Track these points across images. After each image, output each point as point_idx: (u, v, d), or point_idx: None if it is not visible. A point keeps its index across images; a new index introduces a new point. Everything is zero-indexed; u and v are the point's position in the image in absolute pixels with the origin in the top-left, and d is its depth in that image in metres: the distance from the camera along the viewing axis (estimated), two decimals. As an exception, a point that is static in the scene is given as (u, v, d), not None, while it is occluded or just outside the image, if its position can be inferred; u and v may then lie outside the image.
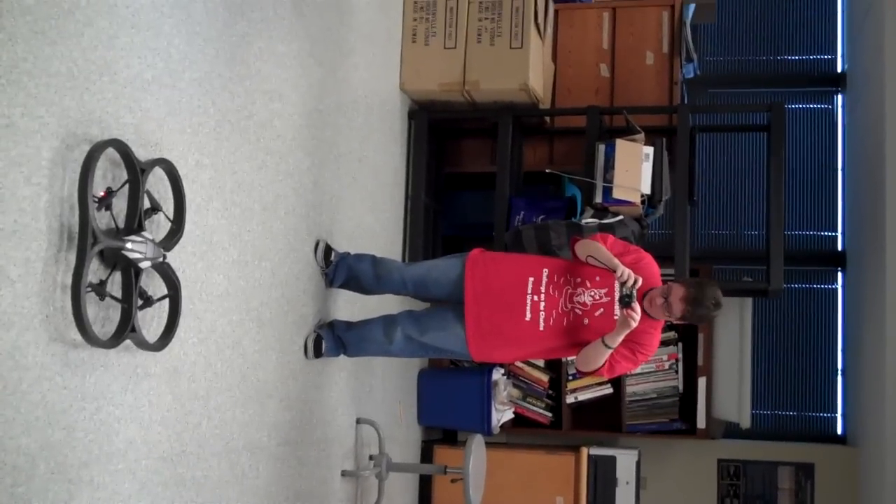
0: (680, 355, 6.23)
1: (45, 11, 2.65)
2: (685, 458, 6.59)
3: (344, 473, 4.79)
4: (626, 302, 3.77)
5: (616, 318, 3.90)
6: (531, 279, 4.10)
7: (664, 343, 6.10)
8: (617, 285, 3.87)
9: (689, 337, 6.24)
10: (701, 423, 6.17)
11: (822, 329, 7.21)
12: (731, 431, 6.57)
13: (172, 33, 3.30)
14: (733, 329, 6.25)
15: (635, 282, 3.78)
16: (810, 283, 7.25)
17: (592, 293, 4.02)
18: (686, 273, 5.40)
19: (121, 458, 3.00)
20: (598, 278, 4.02)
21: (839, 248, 7.28)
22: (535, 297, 4.07)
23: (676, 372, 6.23)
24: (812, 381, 7.16)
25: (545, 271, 4.11)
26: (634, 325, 3.78)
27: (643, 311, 3.93)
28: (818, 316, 7.23)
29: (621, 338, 3.85)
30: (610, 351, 3.90)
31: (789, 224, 7.03)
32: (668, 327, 5.98)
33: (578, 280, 4.05)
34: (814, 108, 7.51)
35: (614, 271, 3.85)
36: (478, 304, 4.13)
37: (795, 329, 7.23)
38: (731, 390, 6.25)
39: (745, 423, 6.28)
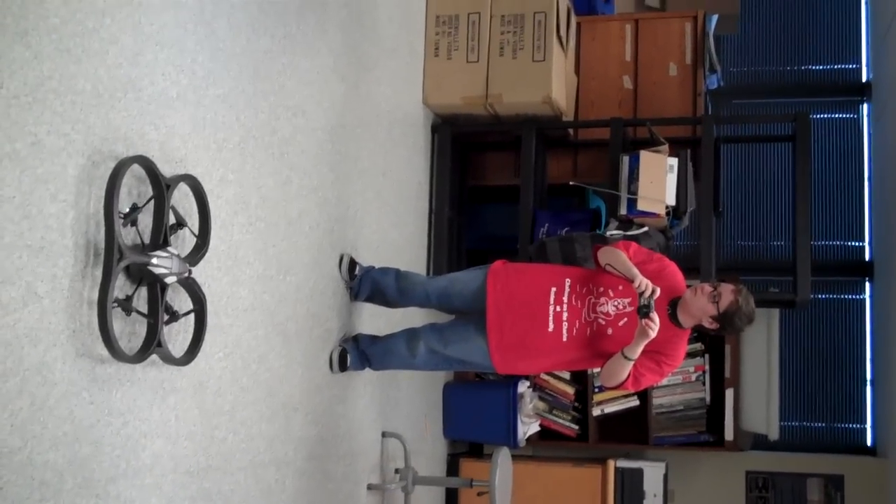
0: (707, 367, 6.20)
1: (71, 30, 2.68)
2: (713, 470, 6.55)
3: (370, 487, 4.79)
4: (643, 312, 3.75)
5: (643, 327, 3.88)
6: (553, 289, 4.09)
7: (691, 354, 6.06)
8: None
9: (716, 348, 6.20)
10: (729, 434, 6.12)
11: (850, 339, 7.16)
12: (760, 443, 6.52)
13: (196, 50, 3.33)
14: (760, 340, 6.21)
15: (653, 292, 3.76)
16: (838, 294, 7.21)
17: (616, 303, 4.00)
18: (712, 284, 5.37)
19: (148, 473, 3.02)
20: (621, 287, 4.00)
21: (867, 257, 7.23)
22: (558, 308, 4.06)
23: (703, 383, 6.20)
24: (841, 391, 7.11)
25: (567, 281, 4.10)
26: (653, 334, 3.76)
27: (668, 319, 3.92)
28: (846, 326, 7.18)
29: (640, 349, 3.83)
30: (631, 363, 3.88)
31: (816, 234, 6.98)
32: (695, 338, 5.96)
33: (601, 289, 4.04)
34: (839, 117, 7.47)
35: (632, 281, 3.83)
36: (500, 316, 4.13)
37: (823, 340, 7.18)
38: (758, 402, 6.20)
39: (774, 434, 6.23)
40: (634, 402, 6.22)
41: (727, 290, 3.86)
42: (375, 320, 4.76)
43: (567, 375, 6.24)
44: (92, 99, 2.77)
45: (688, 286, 4.02)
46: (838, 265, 7.23)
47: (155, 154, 3.04)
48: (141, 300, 2.97)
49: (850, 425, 7.04)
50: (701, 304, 3.88)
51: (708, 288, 3.88)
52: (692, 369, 6.17)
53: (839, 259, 7.27)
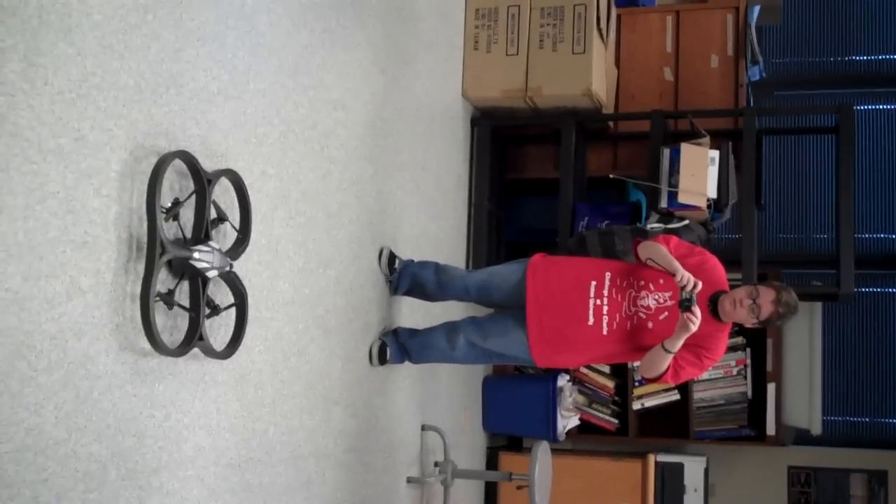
0: (748, 361, 6.15)
1: (113, 26, 2.71)
2: (754, 465, 6.50)
3: (409, 480, 4.80)
4: (685, 306, 3.72)
5: (684, 322, 3.86)
6: (593, 283, 4.07)
7: (732, 348, 6.02)
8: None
9: (757, 342, 6.15)
10: (770, 429, 6.07)
11: (894, 333, 7.06)
12: (802, 438, 6.46)
13: (237, 45, 3.34)
14: (803, 334, 6.15)
15: (695, 285, 3.74)
16: (882, 287, 7.11)
17: (656, 296, 3.98)
18: (754, 278, 5.33)
19: (190, 465, 3.05)
20: (661, 281, 3.98)
21: (911, 250, 7.14)
22: (598, 301, 4.04)
23: (745, 378, 6.15)
24: (885, 386, 7.02)
25: (608, 275, 4.08)
26: (694, 328, 3.73)
27: (709, 313, 3.89)
28: (890, 319, 7.08)
29: (681, 342, 3.80)
30: (671, 356, 3.85)
31: (859, 227, 6.89)
32: (737, 332, 5.91)
33: (642, 283, 4.02)
34: (883, 108, 7.37)
35: (674, 275, 3.81)
36: (540, 309, 4.12)
37: (867, 333, 7.09)
38: (801, 396, 6.15)
39: (816, 429, 6.17)
40: (675, 396, 6.18)
41: (766, 302, 3.82)
42: (415, 314, 4.77)
43: (607, 369, 6.22)
44: (134, 94, 2.79)
45: (727, 290, 3.97)
46: (882, 258, 7.13)
47: (196, 149, 3.06)
48: (183, 294, 2.99)
49: (894, 420, 6.95)
50: (741, 316, 3.87)
51: (747, 301, 3.84)
52: (733, 363, 6.13)
53: (883, 252, 7.18)
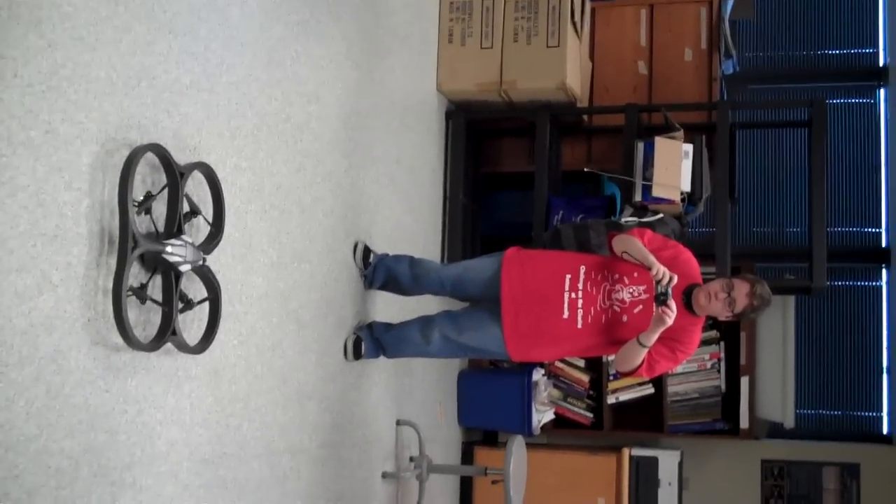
0: (722, 354, 6.17)
1: (84, 18, 2.68)
2: (728, 458, 6.53)
3: (384, 475, 4.79)
4: (661, 300, 3.73)
5: (659, 315, 3.87)
6: (568, 276, 4.07)
7: (706, 342, 6.04)
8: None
9: (731, 336, 6.17)
10: (744, 423, 6.10)
11: (866, 327, 7.11)
12: (775, 431, 6.50)
13: (209, 38, 3.32)
14: (776, 327, 6.18)
15: (670, 280, 3.75)
16: (854, 281, 7.16)
17: (631, 290, 3.99)
18: (727, 271, 5.35)
19: (163, 461, 3.02)
20: (636, 274, 3.98)
21: (883, 244, 7.18)
22: (573, 295, 4.04)
23: (718, 371, 6.17)
24: (857, 379, 7.07)
25: (582, 268, 4.09)
26: (669, 322, 3.74)
27: (683, 307, 3.90)
28: (862, 313, 7.13)
29: (656, 336, 3.81)
30: (646, 350, 3.87)
31: (832, 220, 6.93)
32: (710, 325, 5.93)
33: (616, 276, 4.02)
34: (855, 102, 7.41)
35: (649, 268, 3.81)
36: (515, 303, 4.12)
37: (839, 327, 7.14)
38: (774, 390, 6.18)
39: (789, 422, 6.21)
40: (649, 389, 6.20)
41: (741, 295, 3.85)
42: (389, 308, 4.76)
43: (582, 363, 6.24)
44: (106, 87, 2.76)
45: (701, 284, 3.99)
46: (855, 252, 7.17)
47: (169, 142, 3.03)
48: (155, 288, 2.97)
49: (866, 413, 7.00)
50: (716, 309, 3.91)
51: (722, 294, 3.87)
52: (707, 357, 6.15)
53: (855, 245, 7.22)
